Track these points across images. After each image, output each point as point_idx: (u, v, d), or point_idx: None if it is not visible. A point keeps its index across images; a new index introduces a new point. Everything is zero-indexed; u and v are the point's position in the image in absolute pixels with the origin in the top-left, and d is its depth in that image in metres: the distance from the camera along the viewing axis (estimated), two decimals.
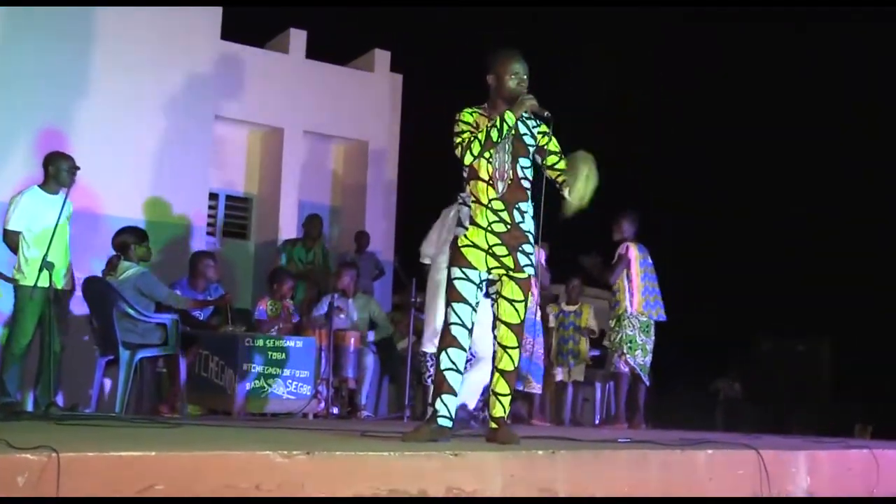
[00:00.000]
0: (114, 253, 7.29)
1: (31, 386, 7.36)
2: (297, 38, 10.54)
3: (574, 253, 8.11)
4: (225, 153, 10.20)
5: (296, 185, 10.34)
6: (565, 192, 4.62)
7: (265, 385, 6.98)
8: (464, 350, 4.46)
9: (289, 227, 9.96)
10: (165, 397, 7.27)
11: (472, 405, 6.92)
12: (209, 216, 10.03)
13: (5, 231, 6.90)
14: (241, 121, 10.22)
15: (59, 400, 7.18)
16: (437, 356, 4.46)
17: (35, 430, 4.30)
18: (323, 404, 7.43)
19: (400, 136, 11.12)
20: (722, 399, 11.71)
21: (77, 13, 8.81)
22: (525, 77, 4.58)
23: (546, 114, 4.54)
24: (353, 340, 7.88)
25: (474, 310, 4.48)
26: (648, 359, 7.96)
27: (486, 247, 4.48)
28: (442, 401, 4.41)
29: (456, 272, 4.47)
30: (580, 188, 4.53)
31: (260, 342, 7.08)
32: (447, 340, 4.43)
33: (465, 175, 4.60)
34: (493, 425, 4.50)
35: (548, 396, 8.98)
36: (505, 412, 4.53)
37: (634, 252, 7.98)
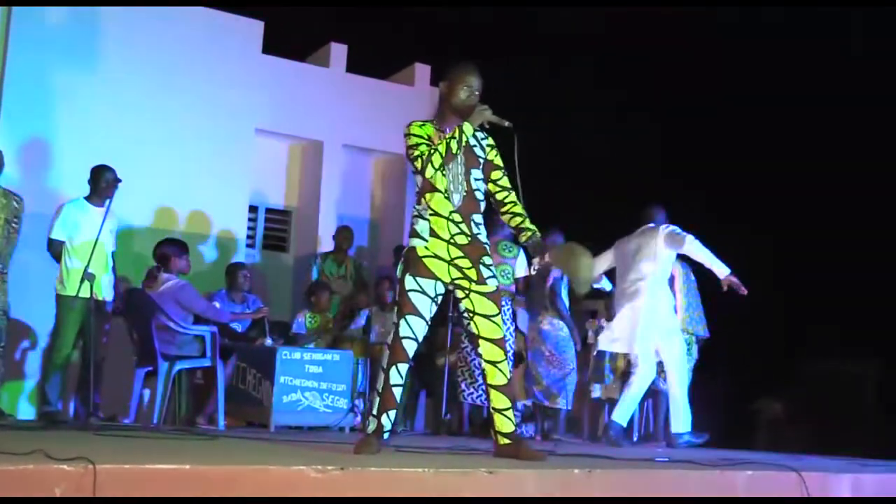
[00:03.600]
0: (154, 265, 7.36)
1: (72, 395, 7.44)
2: (338, 52, 10.59)
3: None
4: (265, 166, 10.25)
5: (335, 198, 10.38)
6: (518, 236, 4.71)
7: (302, 398, 6.98)
8: (410, 363, 4.46)
9: (327, 240, 9.98)
10: (203, 409, 7.30)
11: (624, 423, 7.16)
12: (249, 229, 10.09)
13: (49, 240, 6.99)
14: (282, 134, 10.28)
15: (99, 410, 7.23)
16: (385, 370, 4.42)
17: (74, 440, 4.33)
18: (359, 418, 7.42)
19: None
20: (764, 419, 11.57)
21: (116, 28, 8.91)
22: (477, 91, 4.57)
23: (507, 123, 4.52)
24: None
25: (427, 323, 4.46)
26: (688, 377, 7.87)
27: (448, 258, 4.46)
28: (387, 415, 4.42)
29: (411, 283, 4.42)
30: (585, 274, 4.68)
31: (297, 355, 7.08)
32: (397, 355, 4.40)
33: (417, 188, 4.58)
34: (506, 441, 4.46)
35: (585, 413, 8.89)
36: (513, 426, 4.50)
37: (678, 269, 7.90)
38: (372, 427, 4.40)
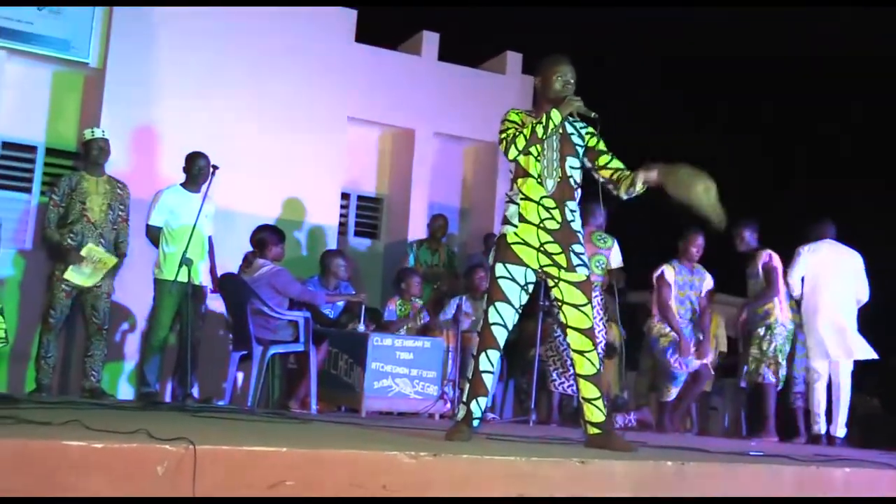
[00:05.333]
0: (251, 250, 7.49)
1: (170, 377, 7.64)
2: (430, 40, 10.61)
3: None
4: (357, 154, 10.34)
5: (426, 185, 10.40)
6: (621, 191, 4.57)
7: (392, 384, 7.05)
8: (500, 351, 4.45)
9: (418, 228, 10.03)
10: (295, 393, 7.42)
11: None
12: (341, 216, 10.18)
13: (148, 226, 7.17)
14: (373, 122, 10.34)
15: (195, 392, 7.41)
16: (475, 356, 4.42)
17: (172, 420, 4.45)
18: (449, 405, 7.45)
19: None
20: (859, 414, 11.28)
21: (213, 20, 9.07)
22: (571, 80, 4.59)
23: (593, 115, 4.53)
24: None
25: (517, 311, 4.44)
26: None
27: (537, 244, 4.45)
28: (477, 402, 4.41)
29: (501, 270, 4.44)
30: (704, 200, 4.40)
31: (388, 341, 7.15)
32: (487, 341, 4.41)
33: (511, 174, 4.59)
34: (596, 430, 4.44)
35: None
36: (604, 416, 4.48)
37: (777, 259, 7.83)
38: (462, 414, 4.43)
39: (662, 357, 7.81)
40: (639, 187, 4.51)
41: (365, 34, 10.06)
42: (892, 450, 6.73)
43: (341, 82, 9.71)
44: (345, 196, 10.29)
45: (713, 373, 8.25)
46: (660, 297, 7.85)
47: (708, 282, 7.94)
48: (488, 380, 4.46)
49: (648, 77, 13.22)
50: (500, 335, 4.43)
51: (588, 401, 4.47)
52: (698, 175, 4.43)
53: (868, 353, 7.80)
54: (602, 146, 4.66)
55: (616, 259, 7.88)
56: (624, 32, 12.96)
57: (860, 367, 7.93)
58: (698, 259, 7.92)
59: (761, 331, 7.83)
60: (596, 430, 4.44)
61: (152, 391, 7.08)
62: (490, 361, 4.42)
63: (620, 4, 12.71)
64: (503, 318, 4.41)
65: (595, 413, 4.45)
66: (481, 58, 11.14)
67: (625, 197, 4.60)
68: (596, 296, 7.61)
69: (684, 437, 6.93)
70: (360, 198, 10.64)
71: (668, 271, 7.85)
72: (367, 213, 10.71)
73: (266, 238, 7.41)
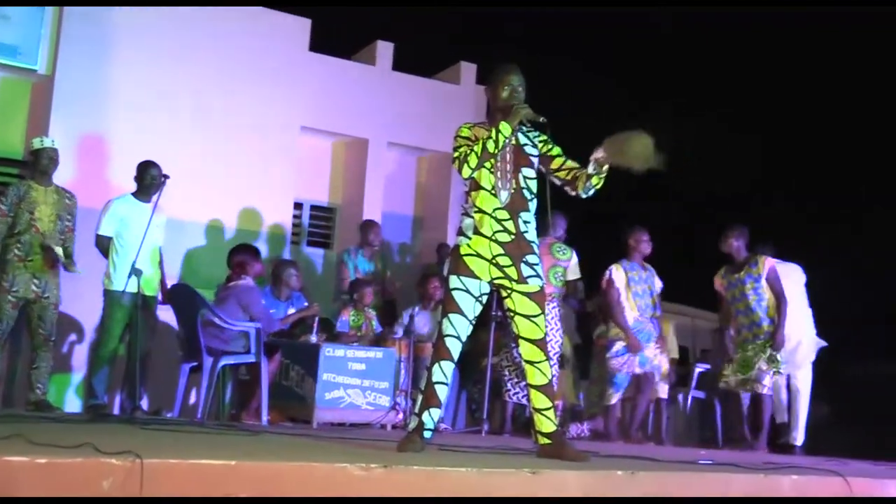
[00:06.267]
0: (231, 271, 7.49)
1: (118, 389, 7.53)
2: (384, 50, 10.61)
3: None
4: (310, 163, 10.30)
5: (379, 195, 10.39)
6: (579, 189, 4.55)
7: (344, 395, 7.01)
8: (454, 362, 4.44)
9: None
10: (247, 404, 7.35)
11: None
12: (294, 225, 10.13)
13: (97, 236, 7.08)
14: (327, 131, 10.32)
15: (144, 404, 7.31)
16: (429, 368, 4.42)
17: (120, 433, 4.38)
18: (402, 416, 7.44)
19: None
20: (810, 421, 11.40)
21: (166, 26, 9.00)
22: (519, 88, 4.59)
23: (541, 119, 4.52)
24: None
25: (471, 323, 4.46)
26: None
27: (489, 256, 4.47)
28: (430, 413, 4.41)
29: (455, 282, 4.44)
30: (643, 154, 4.37)
31: (340, 352, 7.12)
32: (441, 353, 4.40)
33: (465, 187, 4.60)
34: (547, 441, 4.45)
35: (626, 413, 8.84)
36: (555, 426, 4.48)
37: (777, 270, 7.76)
38: (413, 424, 4.42)
39: (608, 360, 7.82)
40: (591, 170, 4.48)
41: (319, 43, 10.05)
42: (842, 457, 6.82)
43: (295, 91, 9.68)
44: (298, 205, 10.25)
45: (671, 378, 8.30)
46: (607, 299, 7.87)
47: (658, 282, 7.98)
48: (442, 391, 4.45)
49: (597, 73, 13.36)
50: (455, 347, 4.43)
51: (539, 411, 4.48)
52: (634, 135, 4.42)
53: (812, 348, 7.89)
54: (556, 150, 4.66)
55: (574, 270, 7.92)
56: (577, 34, 13.09)
57: (811, 376, 8.01)
58: (647, 256, 7.93)
59: (760, 340, 7.63)
60: (547, 441, 4.45)
61: (100, 403, 6.98)
62: (444, 373, 4.42)
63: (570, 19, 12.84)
64: (457, 330, 4.41)
65: (546, 423, 4.46)
66: (435, 68, 11.17)
67: (584, 195, 4.59)
68: (554, 307, 7.64)
69: (638, 447, 6.96)
70: (313, 207, 10.60)
71: (617, 272, 7.84)
72: (320, 222, 10.67)
73: (245, 260, 7.48)
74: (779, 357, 7.53)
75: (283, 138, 9.59)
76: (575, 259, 7.91)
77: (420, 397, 4.47)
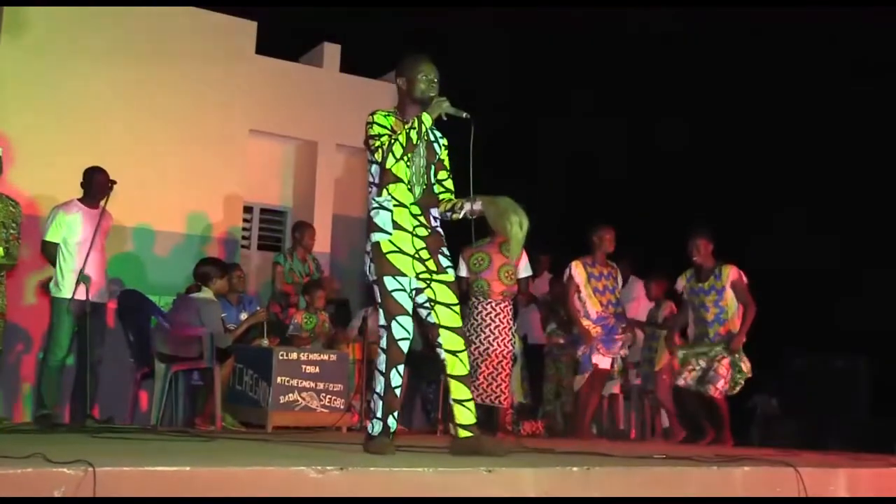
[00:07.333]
0: (193, 283, 7.45)
1: (68, 398, 7.42)
2: (331, 52, 10.59)
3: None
4: (259, 166, 10.24)
5: (329, 197, 10.36)
6: (444, 209, 4.61)
7: (299, 398, 6.98)
8: (403, 362, 4.43)
9: (323, 240, 9.96)
10: (201, 410, 7.29)
11: None
12: (244, 229, 10.07)
13: (44, 242, 6.97)
14: (276, 134, 10.26)
15: (96, 412, 7.22)
16: (386, 374, 4.38)
17: (71, 442, 4.33)
18: (357, 417, 7.42)
19: None
20: (759, 414, 11.58)
21: (109, 28, 8.89)
22: (435, 79, 4.60)
23: (464, 115, 4.51)
24: None
25: (412, 319, 4.45)
26: None
27: (412, 251, 4.46)
28: (394, 417, 4.41)
29: (392, 283, 4.39)
30: (515, 233, 4.45)
31: (294, 356, 7.08)
32: (396, 357, 4.38)
33: (373, 180, 4.55)
34: (467, 433, 4.43)
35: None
36: (474, 418, 4.47)
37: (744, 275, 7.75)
38: (379, 429, 4.38)
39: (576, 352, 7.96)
40: (460, 214, 4.56)
41: (266, 46, 9.99)
42: (791, 448, 6.92)
43: (242, 94, 9.62)
44: (247, 209, 10.18)
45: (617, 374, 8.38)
46: (564, 295, 7.94)
47: (620, 280, 8.07)
48: (399, 393, 4.45)
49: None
50: (406, 348, 4.42)
51: (459, 402, 4.46)
52: (515, 209, 4.46)
53: None
54: (446, 163, 4.69)
55: (525, 268, 7.94)
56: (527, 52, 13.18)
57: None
58: (610, 254, 7.99)
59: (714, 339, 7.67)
60: (467, 433, 4.42)
61: (50, 413, 6.87)
62: (399, 375, 4.41)
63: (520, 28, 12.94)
64: (407, 330, 4.40)
65: (465, 415, 4.44)
66: (383, 69, 11.15)
67: (438, 215, 4.62)
68: (505, 305, 7.66)
69: (592, 443, 7.00)
70: (262, 210, 10.54)
71: (577, 269, 7.90)
72: (270, 225, 10.61)
73: (209, 272, 7.47)
74: (741, 365, 7.57)
75: (232, 142, 9.53)
76: (525, 257, 7.93)
77: (376, 400, 4.44)
